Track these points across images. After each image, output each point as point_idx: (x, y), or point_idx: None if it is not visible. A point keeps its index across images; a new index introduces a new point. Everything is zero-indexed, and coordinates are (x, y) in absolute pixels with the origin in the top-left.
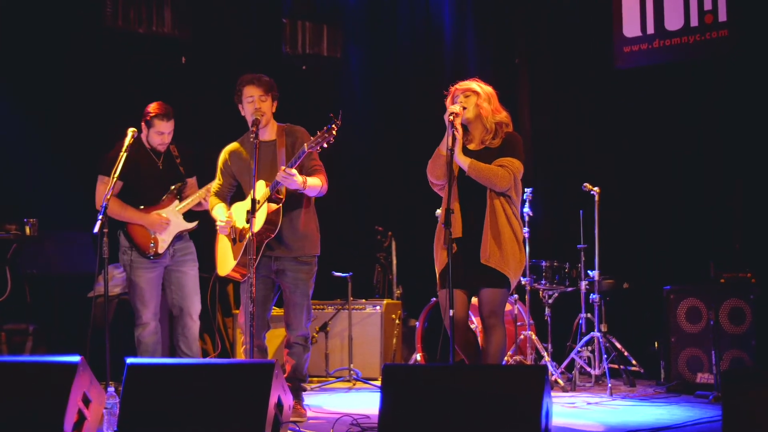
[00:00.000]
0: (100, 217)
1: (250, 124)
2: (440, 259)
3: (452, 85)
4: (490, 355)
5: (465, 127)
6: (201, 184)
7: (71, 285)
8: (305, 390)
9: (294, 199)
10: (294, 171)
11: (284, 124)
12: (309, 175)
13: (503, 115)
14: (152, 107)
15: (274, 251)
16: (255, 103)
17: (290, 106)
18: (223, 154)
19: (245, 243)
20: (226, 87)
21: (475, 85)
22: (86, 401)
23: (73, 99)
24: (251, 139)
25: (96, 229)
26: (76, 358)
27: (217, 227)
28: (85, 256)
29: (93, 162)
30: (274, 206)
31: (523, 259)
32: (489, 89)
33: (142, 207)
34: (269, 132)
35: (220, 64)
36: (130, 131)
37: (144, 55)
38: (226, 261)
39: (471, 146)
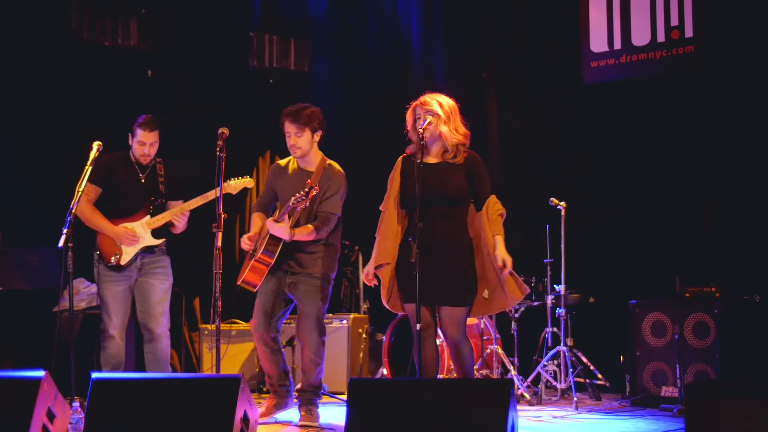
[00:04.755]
0: (65, 231)
1: None
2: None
3: (414, 101)
4: (462, 368)
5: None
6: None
7: (36, 299)
8: (318, 399)
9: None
10: (280, 225)
11: (330, 161)
12: (316, 217)
13: (461, 135)
14: (140, 118)
15: (290, 267)
16: (291, 138)
17: (257, 120)
18: (271, 169)
19: (252, 262)
20: (193, 100)
21: (436, 105)
22: (51, 416)
23: (38, 112)
24: (295, 162)
25: (61, 243)
26: (40, 373)
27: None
28: (50, 271)
29: (59, 175)
30: (275, 240)
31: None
32: (450, 106)
33: (113, 218)
34: (312, 162)
35: (187, 77)
36: (95, 145)
37: (110, 68)
38: (242, 271)
39: (430, 159)
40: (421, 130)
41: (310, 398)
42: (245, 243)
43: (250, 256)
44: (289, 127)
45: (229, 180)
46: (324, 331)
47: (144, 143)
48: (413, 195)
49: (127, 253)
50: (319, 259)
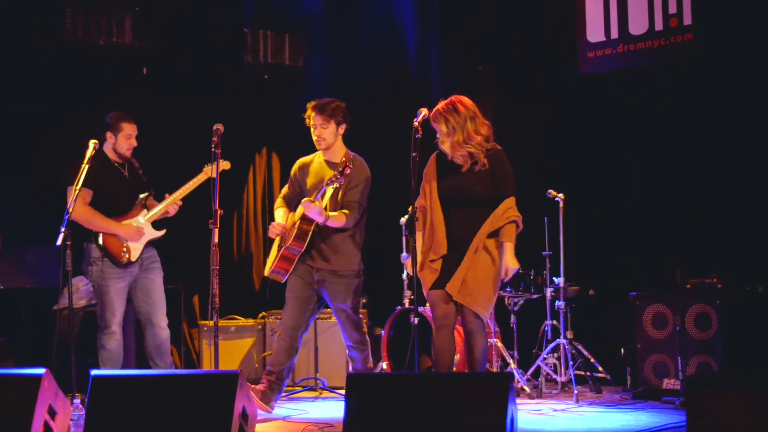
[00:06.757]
0: (63, 229)
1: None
2: (426, 280)
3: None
4: (476, 359)
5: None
6: (162, 192)
7: (37, 298)
8: None
9: None
10: (316, 204)
11: (352, 153)
12: (343, 207)
13: (476, 142)
14: (115, 114)
15: (315, 262)
16: (317, 130)
17: (253, 116)
18: (295, 165)
19: (281, 250)
20: (188, 97)
21: (442, 123)
22: (52, 413)
23: (35, 112)
24: (320, 156)
25: (59, 242)
26: (40, 371)
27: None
28: (49, 269)
29: (56, 175)
30: (307, 223)
31: None
32: (457, 119)
33: (112, 218)
34: (336, 154)
35: (182, 74)
36: (92, 143)
37: (106, 67)
38: (270, 262)
39: (459, 161)
40: (416, 124)
41: None
42: (275, 228)
43: (278, 247)
44: (315, 119)
45: (206, 165)
46: (360, 324)
47: (131, 135)
48: (444, 196)
49: (136, 249)
50: (343, 254)
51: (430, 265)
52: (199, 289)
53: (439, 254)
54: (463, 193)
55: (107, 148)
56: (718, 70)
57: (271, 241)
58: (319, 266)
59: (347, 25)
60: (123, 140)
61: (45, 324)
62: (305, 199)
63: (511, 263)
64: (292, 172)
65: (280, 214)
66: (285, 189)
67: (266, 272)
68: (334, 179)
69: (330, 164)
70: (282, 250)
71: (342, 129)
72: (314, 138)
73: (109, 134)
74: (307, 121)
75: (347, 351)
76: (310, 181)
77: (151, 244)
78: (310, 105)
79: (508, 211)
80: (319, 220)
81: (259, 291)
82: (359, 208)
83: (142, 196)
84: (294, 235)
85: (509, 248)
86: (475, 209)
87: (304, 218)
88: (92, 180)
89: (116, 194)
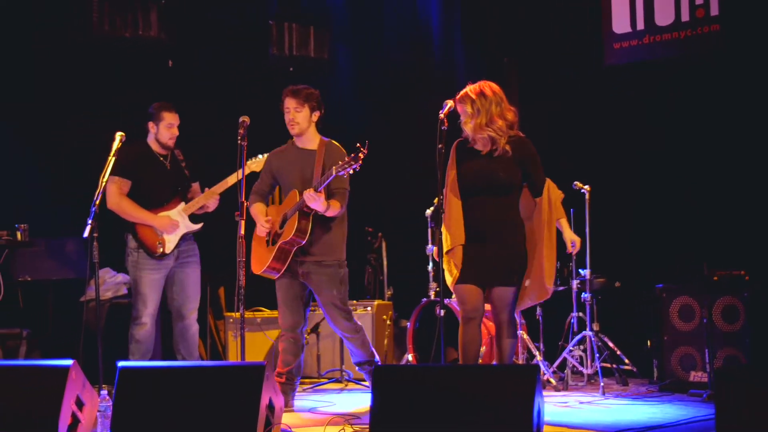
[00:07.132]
0: (90, 221)
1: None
2: (448, 273)
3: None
4: (504, 351)
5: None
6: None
7: (63, 290)
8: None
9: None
10: (320, 195)
11: (326, 138)
12: (332, 194)
13: (497, 126)
14: (156, 104)
15: (298, 256)
16: (290, 113)
17: (278, 108)
18: (269, 157)
19: (277, 245)
20: (214, 89)
21: (467, 104)
22: (79, 404)
23: (61, 105)
24: (293, 145)
25: (86, 234)
26: (68, 362)
27: (257, 228)
28: (76, 261)
29: (83, 167)
30: (305, 215)
31: None
32: (483, 101)
33: (150, 209)
34: (311, 141)
35: (208, 66)
36: (118, 135)
37: (131, 60)
38: (260, 260)
39: (480, 148)
40: (441, 115)
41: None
42: (265, 225)
43: (266, 243)
44: (289, 103)
45: (248, 160)
46: (350, 314)
47: (173, 124)
48: (465, 182)
49: (170, 241)
50: (327, 245)
51: (448, 257)
52: (224, 281)
53: (452, 244)
54: (485, 179)
55: (150, 139)
56: (747, 61)
57: None
58: (303, 258)
59: (372, 17)
60: (165, 130)
61: (72, 316)
62: (307, 190)
63: (574, 236)
64: (265, 165)
65: (258, 210)
66: (258, 183)
67: (258, 270)
68: (346, 165)
69: (305, 152)
70: (279, 245)
71: (316, 116)
72: (287, 122)
73: (151, 124)
74: (281, 107)
75: (344, 341)
76: (287, 171)
77: (191, 237)
78: (284, 90)
79: (555, 191)
80: (321, 209)
81: None
82: (347, 194)
83: (180, 188)
84: (295, 228)
85: (566, 224)
86: (497, 198)
87: (302, 211)
88: (131, 170)
89: (156, 185)
